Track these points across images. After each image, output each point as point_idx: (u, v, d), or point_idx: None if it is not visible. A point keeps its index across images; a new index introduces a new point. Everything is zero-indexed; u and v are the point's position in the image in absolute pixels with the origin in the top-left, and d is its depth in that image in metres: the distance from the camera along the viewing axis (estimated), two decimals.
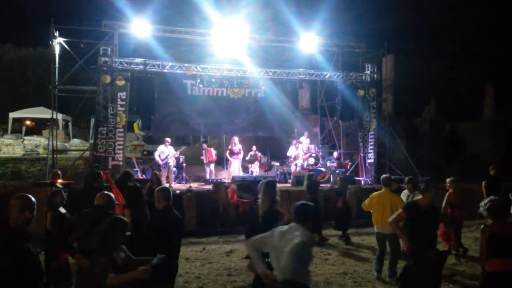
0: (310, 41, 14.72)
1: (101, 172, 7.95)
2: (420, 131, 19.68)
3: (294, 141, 15.22)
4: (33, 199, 3.25)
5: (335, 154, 15.48)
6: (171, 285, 5.03)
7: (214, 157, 14.57)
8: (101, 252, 3.77)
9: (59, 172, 9.02)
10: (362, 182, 14.71)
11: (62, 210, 6.04)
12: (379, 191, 7.18)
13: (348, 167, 15.00)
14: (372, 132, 15.20)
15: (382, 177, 7.43)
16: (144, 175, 13.17)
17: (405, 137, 17.49)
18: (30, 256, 3.08)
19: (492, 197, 4.61)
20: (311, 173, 10.79)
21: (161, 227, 4.87)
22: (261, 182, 6.27)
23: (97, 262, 3.93)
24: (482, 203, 4.52)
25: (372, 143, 15.12)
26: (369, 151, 15.10)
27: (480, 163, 17.86)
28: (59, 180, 8.73)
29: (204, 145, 15.00)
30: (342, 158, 15.86)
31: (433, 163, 17.31)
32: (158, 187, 5.58)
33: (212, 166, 14.65)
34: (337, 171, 14.63)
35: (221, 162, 15.40)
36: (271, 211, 5.97)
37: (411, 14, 26.32)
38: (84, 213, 6.12)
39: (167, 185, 12.97)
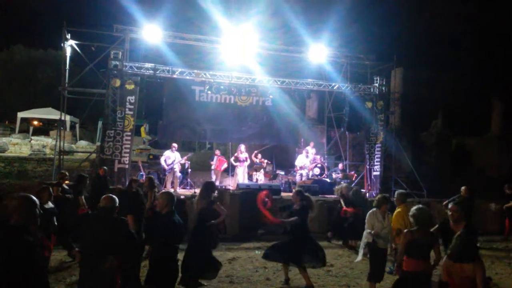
0: (319, 52, 14.77)
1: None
2: (427, 145, 19.62)
3: (305, 150, 15.20)
4: (34, 198, 3.31)
5: (341, 165, 15.46)
6: None
7: (222, 168, 14.61)
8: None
9: (66, 173, 9.08)
10: (367, 194, 14.65)
11: (50, 205, 6.20)
12: (399, 211, 6.82)
13: (353, 179, 14.96)
14: (379, 145, 15.17)
15: (398, 192, 7.22)
16: None
17: (412, 151, 17.46)
18: (34, 250, 3.13)
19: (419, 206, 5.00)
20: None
21: (164, 231, 4.90)
22: None
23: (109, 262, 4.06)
24: None
25: (378, 156, 15.09)
26: (375, 163, 15.06)
27: (485, 178, 17.78)
28: (66, 181, 8.78)
29: (217, 152, 15.02)
30: (347, 170, 15.83)
31: (438, 177, 17.23)
32: (162, 192, 5.62)
33: (219, 174, 14.69)
34: (342, 183, 14.59)
35: (227, 169, 15.42)
36: None
37: (421, 28, 26.34)
38: (88, 215, 6.18)
39: (172, 190, 13.03)
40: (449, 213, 4.91)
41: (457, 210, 4.81)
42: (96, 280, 4.43)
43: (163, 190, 5.84)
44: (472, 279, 4.01)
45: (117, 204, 4.76)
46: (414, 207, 4.97)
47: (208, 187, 6.71)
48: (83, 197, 8.47)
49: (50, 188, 6.51)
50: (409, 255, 4.76)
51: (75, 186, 8.69)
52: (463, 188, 10.19)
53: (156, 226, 5.14)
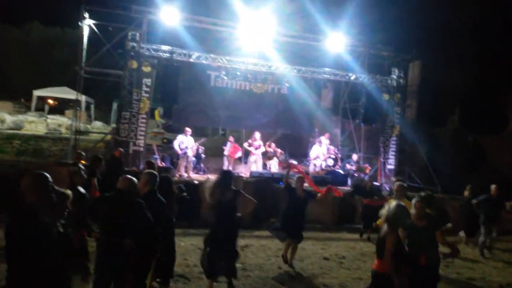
0: (337, 40, 14.54)
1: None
2: (442, 141, 19.36)
3: (318, 140, 15.08)
4: (48, 176, 3.16)
5: (355, 157, 15.29)
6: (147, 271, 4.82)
7: (236, 156, 14.58)
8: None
9: (83, 153, 9.09)
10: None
11: (82, 189, 6.07)
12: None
13: (367, 171, 14.82)
14: (394, 138, 15.01)
15: (400, 185, 6.99)
16: (163, 163, 13.25)
17: (427, 146, 17.22)
18: (49, 231, 3.04)
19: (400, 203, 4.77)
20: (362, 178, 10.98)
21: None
22: None
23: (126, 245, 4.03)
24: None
25: (393, 149, 14.94)
26: (390, 156, 14.91)
27: (501, 177, 17.49)
28: (82, 161, 8.79)
29: (231, 138, 14.98)
30: (361, 162, 15.68)
31: (453, 173, 17.01)
32: (146, 171, 5.52)
33: (232, 161, 14.65)
34: (355, 174, 14.49)
35: (240, 157, 15.36)
36: None
37: (441, 22, 25.85)
38: (105, 197, 6.11)
39: (185, 174, 13.04)
40: (414, 209, 5.01)
41: (421, 207, 5.02)
42: (112, 263, 4.40)
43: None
44: None
45: (137, 187, 4.64)
46: (395, 204, 4.66)
47: (228, 176, 6.26)
48: (96, 178, 8.38)
49: (82, 172, 6.39)
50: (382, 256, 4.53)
51: (89, 167, 8.66)
52: (493, 186, 9.94)
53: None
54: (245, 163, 14.89)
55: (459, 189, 14.05)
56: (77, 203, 5.71)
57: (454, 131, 19.49)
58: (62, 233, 3.56)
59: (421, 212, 5.04)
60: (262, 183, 11.81)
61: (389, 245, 4.30)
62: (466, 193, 11.04)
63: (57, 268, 3.15)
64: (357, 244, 10.10)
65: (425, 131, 18.58)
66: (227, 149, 14.53)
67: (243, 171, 14.52)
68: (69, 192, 4.01)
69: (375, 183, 13.94)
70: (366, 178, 14.07)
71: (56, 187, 3.85)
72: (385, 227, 4.47)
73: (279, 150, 14.99)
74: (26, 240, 2.90)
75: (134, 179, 4.70)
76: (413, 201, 5.16)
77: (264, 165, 14.58)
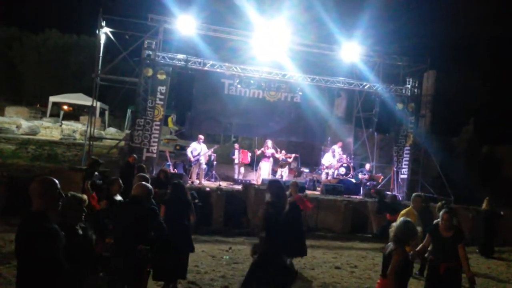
0: (352, 50, 14.55)
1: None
2: (456, 151, 19.17)
3: (332, 149, 15.03)
4: (55, 182, 3.13)
5: (368, 166, 15.23)
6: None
7: (247, 160, 14.64)
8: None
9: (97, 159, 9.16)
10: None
11: (119, 197, 6.06)
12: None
13: (379, 181, 14.74)
14: (408, 148, 14.91)
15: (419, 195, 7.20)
16: (175, 169, 13.34)
17: (440, 156, 17.08)
18: (56, 238, 3.00)
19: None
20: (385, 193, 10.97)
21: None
22: None
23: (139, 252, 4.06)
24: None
25: (407, 159, 14.83)
26: (403, 166, 14.80)
27: None
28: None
29: (236, 145, 15.05)
30: (374, 171, 15.60)
31: (467, 184, 16.82)
32: (138, 174, 5.52)
33: (242, 168, 14.70)
34: (367, 184, 14.42)
35: (251, 164, 15.42)
36: None
37: (457, 32, 25.69)
38: (120, 202, 6.15)
39: (197, 181, 13.11)
40: (441, 220, 5.22)
41: (448, 218, 5.19)
42: (126, 268, 4.42)
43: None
44: None
45: (152, 193, 4.66)
46: (402, 220, 4.44)
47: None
48: (89, 182, 8.15)
49: (120, 180, 6.36)
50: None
51: (86, 170, 8.42)
52: None
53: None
54: (256, 170, 14.91)
55: (472, 199, 13.94)
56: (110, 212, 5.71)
57: (468, 141, 19.28)
58: (82, 235, 3.62)
59: (448, 223, 5.21)
60: None
61: (395, 262, 4.07)
62: (484, 205, 10.93)
63: (68, 274, 3.12)
64: (369, 253, 10.02)
65: (439, 140, 18.42)
66: (236, 157, 14.57)
67: (254, 178, 14.54)
68: (85, 196, 4.06)
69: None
70: (378, 187, 14.00)
71: (73, 193, 3.92)
72: (391, 245, 4.26)
73: (293, 155, 14.82)
74: (33, 245, 2.90)
75: (149, 185, 4.73)
76: (441, 212, 5.32)
77: (274, 172, 14.54)
